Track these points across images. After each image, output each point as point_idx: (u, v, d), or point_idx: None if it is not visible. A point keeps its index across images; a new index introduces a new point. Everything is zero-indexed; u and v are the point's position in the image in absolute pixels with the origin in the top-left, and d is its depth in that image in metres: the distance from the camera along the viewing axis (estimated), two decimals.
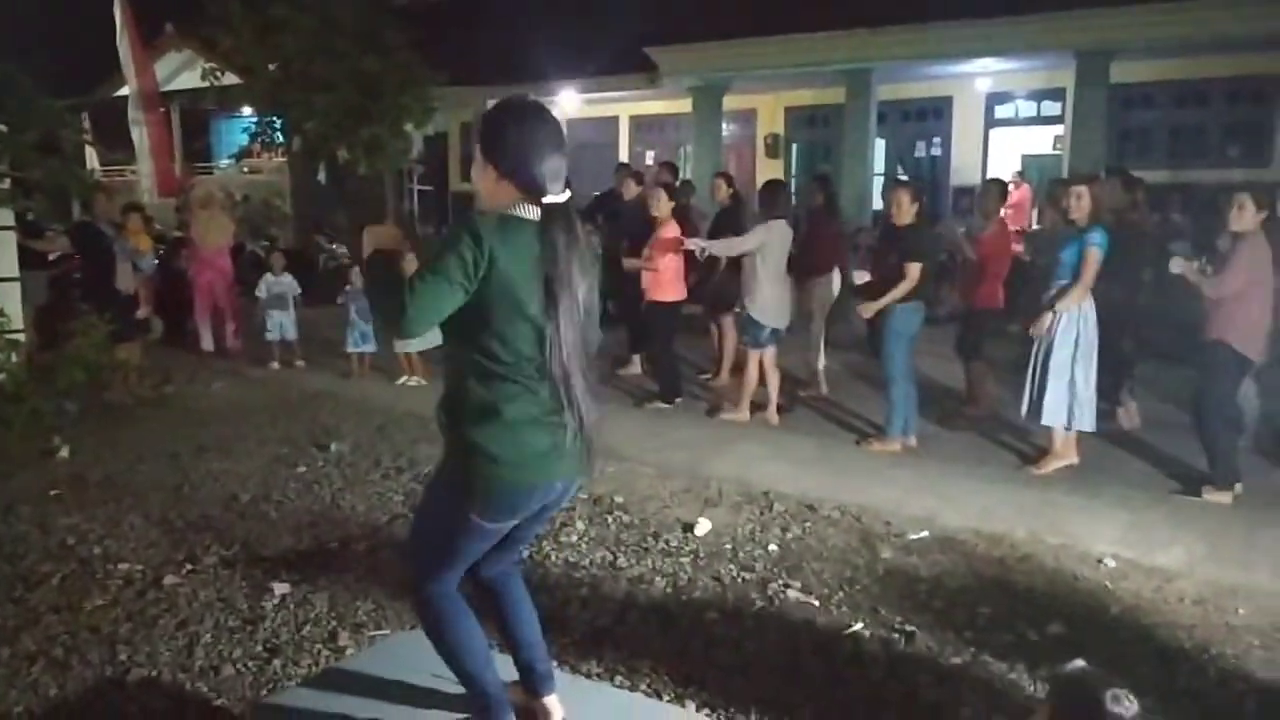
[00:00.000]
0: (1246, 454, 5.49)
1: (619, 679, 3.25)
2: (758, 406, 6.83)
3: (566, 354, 2.13)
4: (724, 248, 6.68)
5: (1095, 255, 5.24)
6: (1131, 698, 1.83)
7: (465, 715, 2.40)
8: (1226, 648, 3.52)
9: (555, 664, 3.27)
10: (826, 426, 6.82)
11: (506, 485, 2.17)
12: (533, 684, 2.50)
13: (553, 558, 4.33)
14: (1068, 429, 5.54)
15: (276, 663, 3.38)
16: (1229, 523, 4.76)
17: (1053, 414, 5.46)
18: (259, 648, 3.50)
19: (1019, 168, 13.16)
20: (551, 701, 2.48)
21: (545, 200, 2.16)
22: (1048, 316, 5.40)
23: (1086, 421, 5.49)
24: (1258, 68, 11.30)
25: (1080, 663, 2.25)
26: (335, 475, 5.55)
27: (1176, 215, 10.11)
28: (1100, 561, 4.29)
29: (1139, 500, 5.10)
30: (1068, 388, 5.40)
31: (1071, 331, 5.37)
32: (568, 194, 2.20)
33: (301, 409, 7.25)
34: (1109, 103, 11.10)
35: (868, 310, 6.16)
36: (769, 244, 6.43)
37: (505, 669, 2.56)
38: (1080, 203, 5.34)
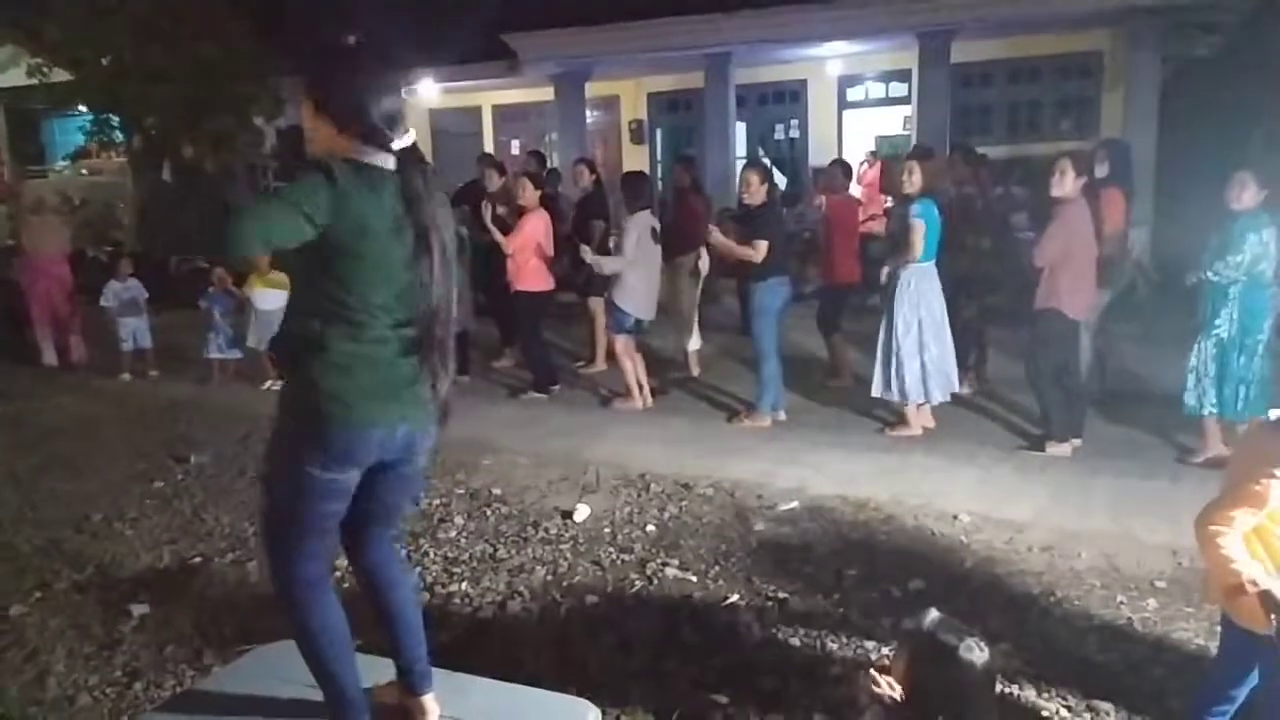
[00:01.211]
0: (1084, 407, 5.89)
1: (500, 670, 3.24)
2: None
3: (436, 301, 2.11)
4: (613, 265, 6.56)
5: (917, 226, 5.50)
6: (983, 645, 1.94)
7: None
8: (1071, 590, 3.79)
9: (433, 660, 3.25)
10: (699, 406, 6.94)
11: (341, 425, 2.09)
12: (412, 683, 2.47)
13: (431, 554, 4.27)
14: (924, 402, 5.82)
15: (138, 686, 3.23)
16: (1070, 473, 5.10)
17: (915, 392, 5.72)
18: (118, 673, 3.33)
19: (873, 147, 13.66)
20: (429, 700, 2.45)
21: (395, 146, 2.11)
22: (885, 278, 5.72)
23: (940, 394, 5.77)
24: (1082, 44, 12.07)
25: (934, 613, 2.38)
26: (196, 488, 5.31)
27: (1016, 188, 10.70)
28: (956, 518, 4.54)
29: (990, 458, 5.41)
30: (921, 366, 5.67)
31: (916, 311, 5.62)
32: (413, 135, 2.15)
33: (157, 421, 6.90)
34: (951, 82, 11.64)
35: (712, 236, 6.28)
36: (637, 235, 6.47)
37: (378, 670, 2.53)
38: (911, 177, 5.62)
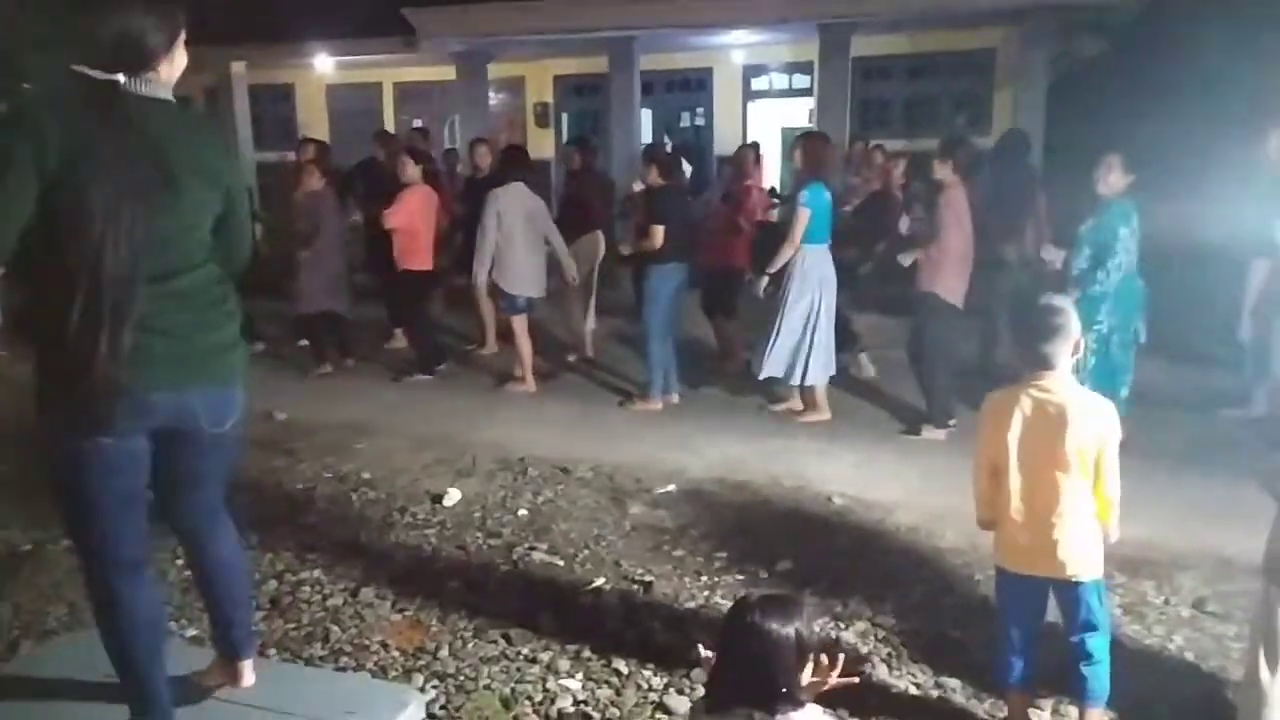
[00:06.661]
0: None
1: (344, 659, 3.09)
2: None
3: (94, 250, 1.83)
4: (482, 251, 6.35)
5: (802, 214, 5.49)
6: (787, 610, 1.88)
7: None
8: (933, 569, 3.82)
9: (275, 651, 3.09)
10: (590, 389, 6.84)
11: (90, 393, 1.89)
12: (229, 645, 2.32)
13: (287, 542, 4.06)
14: (795, 384, 5.81)
15: None
16: (943, 456, 5.15)
17: (776, 366, 5.71)
18: None
19: (754, 139, 13.76)
20: (245, 666, 2.31)
21: (86, 71, 1.90)
22: (762, 280, 5.70)
23: (814, 376, 5.75)
24: (977, 42, 12.35)
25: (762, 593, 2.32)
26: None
27: (916, 182, 10.88)
28: (830, 499, 4.55)
29: (868, 441, 5.45)
30: (795, 345, 5.66)
31: (806, 293, 5.61)
32: (122, 77, 1.91)
33: None
34: (852, 75, 11.77)
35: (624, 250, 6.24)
36: (504, 210, 6.29)
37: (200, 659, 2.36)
38: (794, 155, 5.67)
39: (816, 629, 1.90)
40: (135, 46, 1.93)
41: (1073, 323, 2.55)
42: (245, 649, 2.32)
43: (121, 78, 1.92)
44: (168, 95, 2.01)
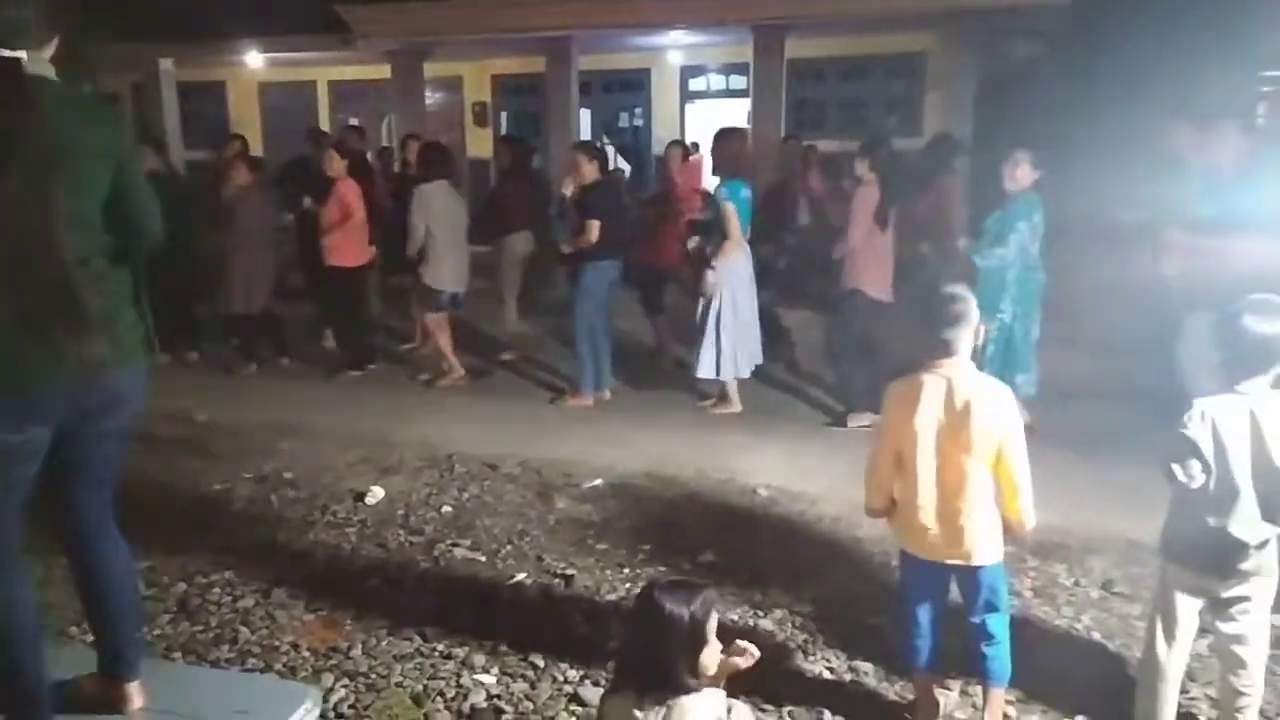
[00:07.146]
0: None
1: (251, 661, 3.01)
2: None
3: (30, 235, 1.85)
4: (411, 245, 6.34)
5: (729, 209, 5.52)
6: (689, 596, 1.88)
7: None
8: (852, 559, 3.86)
9: (180, 655, 3.01)
10: (523, 386, 6.79)
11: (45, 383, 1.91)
12: (120, 670, 2.24)
13: (199, 544, 3.95)
14: (731, 379, 5.85)
15: None
16: (868, 447, 5.19)
17: (707, 367, 5.74)
18: None
19: (694, 139, 13.85)
20: (133, 689, 2.24)
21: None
22: (709, 274, 5.66)
23: (738, 370, 5.79)
24: (908, 45, 12.55)
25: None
26: None
27: (846, 182, 11.01)
28: (756, 492, 4.57)
29: (796, 434, 5.49)
30: (721, 342, 5.69)
31: (718, 290, 5.63)
32: (24, 55, 1.91)
33: None
34: (787, 76, 11.88)
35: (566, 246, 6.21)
36: (427, 207, 6.24)
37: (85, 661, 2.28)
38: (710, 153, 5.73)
39: (715, 616, 1.89)
40: (35, 26, 1.95)
41: (973, 310, 2.60)
42: (135, 670, 2.25)
43: (24, 56, 1.91)
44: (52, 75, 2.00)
